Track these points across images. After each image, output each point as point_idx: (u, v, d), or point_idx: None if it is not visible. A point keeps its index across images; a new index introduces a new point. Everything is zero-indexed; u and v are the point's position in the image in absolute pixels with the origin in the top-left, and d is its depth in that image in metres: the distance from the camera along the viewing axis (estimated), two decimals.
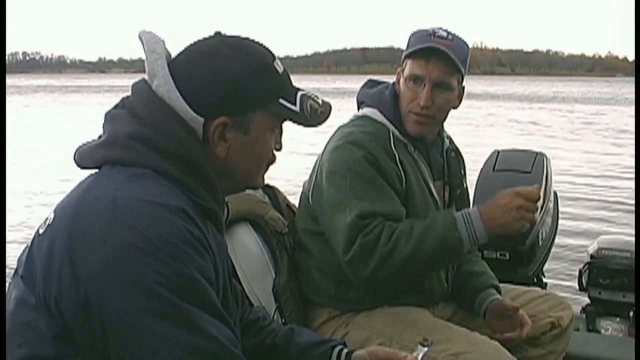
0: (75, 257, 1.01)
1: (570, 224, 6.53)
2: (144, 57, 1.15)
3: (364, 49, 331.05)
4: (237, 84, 1.14)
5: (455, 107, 1.98)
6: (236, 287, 1.41)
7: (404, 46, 1.96)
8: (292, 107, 1.19)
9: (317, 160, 1.99)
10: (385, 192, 1.82)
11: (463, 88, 1.97)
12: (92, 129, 1.24)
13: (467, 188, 2.17)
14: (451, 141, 2.13)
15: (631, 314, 2.74)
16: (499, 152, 3.14)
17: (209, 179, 1.15)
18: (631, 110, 30.47)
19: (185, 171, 1.11)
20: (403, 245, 1.72)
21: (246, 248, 1.88)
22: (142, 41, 1.18)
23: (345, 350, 1.39)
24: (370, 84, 2.08)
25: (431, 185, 1.97)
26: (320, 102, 1.24)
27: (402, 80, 1.94)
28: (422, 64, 1.87)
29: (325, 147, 1.97)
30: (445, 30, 1.88)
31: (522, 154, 3.17)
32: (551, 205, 3.04)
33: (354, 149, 1.84)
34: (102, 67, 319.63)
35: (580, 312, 2.85)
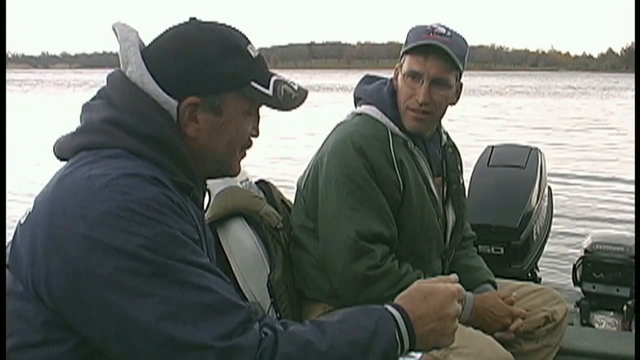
0: (58, 237, 1.01)
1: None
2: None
3: (310, 44, 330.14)
4: (207, 64, 1.15)
5: (453, 104, 1.98)
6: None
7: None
8: (265, 90, 1.19)
9: (314, 157, 1.98)
10: (383, 211, 1.86)
11: (461, 85, 1.98)
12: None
13: (463, 183, 2.18)
14: (448, 137, 2.13)
15: (625, 307, 2.75)
16: (492, 147, 3.14)
17: (183, 159, 1.16)
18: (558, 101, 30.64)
19: (159, 152, 1.13)
20: None
21: (241, 243, 1.87)
22: (115, 31, 1.19)
23: None
24: (368, 79, 2.07)
25: (430, 181, 1.98)
26: (296, 87, 1.25)
27: (400, 76, 1.94)
28: (420, 60, 1.87)
29: (324, 144, 1.97)
30: (444, 27, 1.89)
31: (516, 149, 3.17)
32: (545, 200, 3.05)
33: (354, 155, 1.85)
34: (45, 62, 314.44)
35: (575, 306, 2.86)
